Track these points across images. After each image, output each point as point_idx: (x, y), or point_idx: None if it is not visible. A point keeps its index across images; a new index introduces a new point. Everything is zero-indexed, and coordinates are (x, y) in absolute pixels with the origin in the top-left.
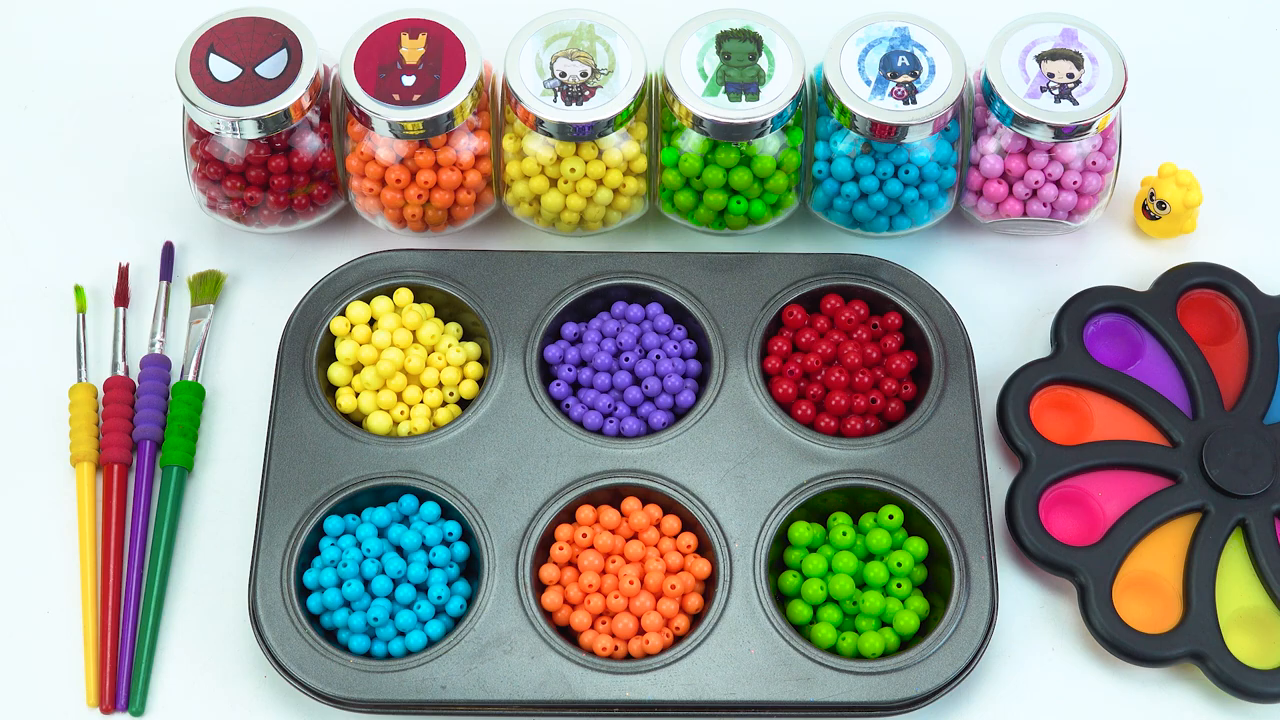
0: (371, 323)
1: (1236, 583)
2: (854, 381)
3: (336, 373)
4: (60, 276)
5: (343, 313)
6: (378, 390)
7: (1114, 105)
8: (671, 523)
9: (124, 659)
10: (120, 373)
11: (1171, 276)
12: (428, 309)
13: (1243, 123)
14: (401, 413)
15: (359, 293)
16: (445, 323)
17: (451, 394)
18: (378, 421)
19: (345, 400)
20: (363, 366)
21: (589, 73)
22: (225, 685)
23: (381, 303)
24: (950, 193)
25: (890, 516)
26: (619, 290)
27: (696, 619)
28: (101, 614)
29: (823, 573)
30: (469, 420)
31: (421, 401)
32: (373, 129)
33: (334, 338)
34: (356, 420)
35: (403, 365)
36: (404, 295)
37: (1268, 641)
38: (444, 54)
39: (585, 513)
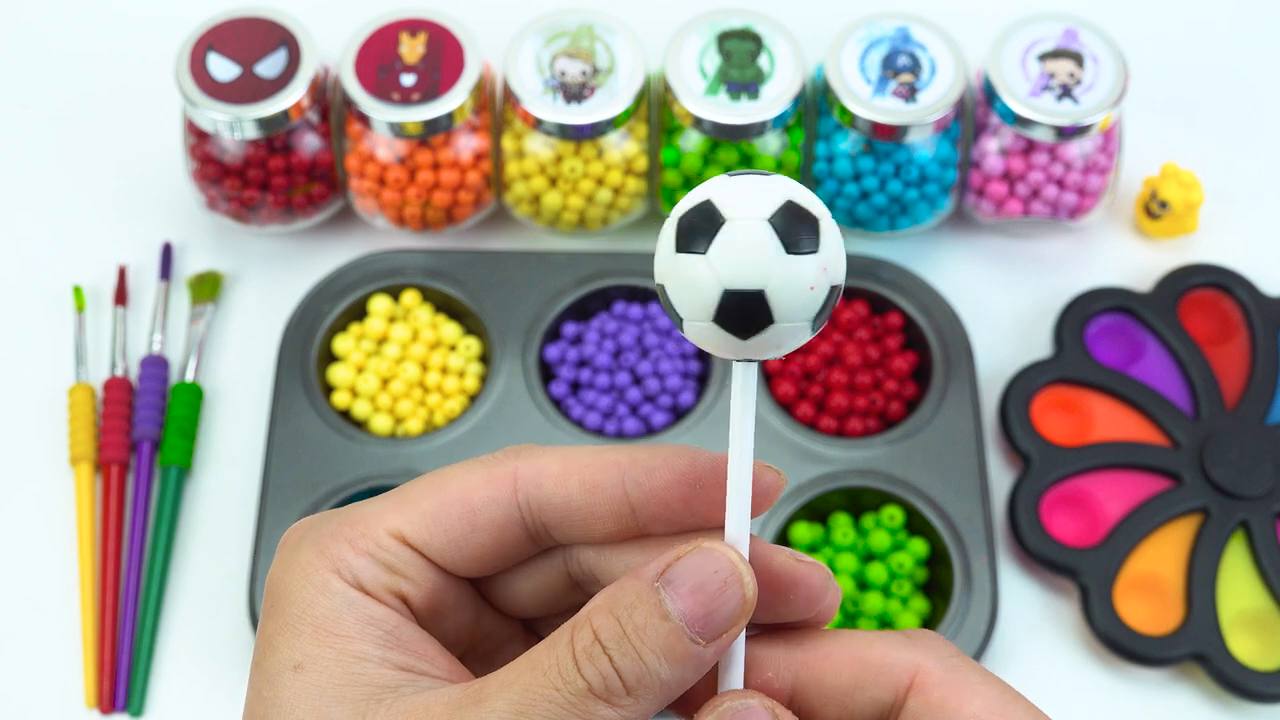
0: (365, 318)
1: (1238, 584)
2: (855, 382)
3: (338, 373)
4: (59, 277)
5: (346, 315)
6: (378, 391)
7: (1115, 105)
8: None
9: (123, 660)
10: (119, 373)
11: (1173, 277)
12: (429, 309)
13: (1245, 123)
14: (402, 413)
15: (358, 293)
16: (445, 323)
17: (451, 385)
18: (379, 422)
19: (344, 400)
20: (363, 367)
21: (589, 72)
22: (224, 686)
23: (382, 302)
24: (951, 192)
25: (891, 517)
26: (619, 290)
27: None
28: (100, 615)
29: None
30: (469, 421)
31: (423, 403)
32: (372, 129)
33: (334, 337)
34: (356, 421)
35: (403, 365)
36: (411, 296)
37: (1269, 642)
38: (444, 53)
39: None
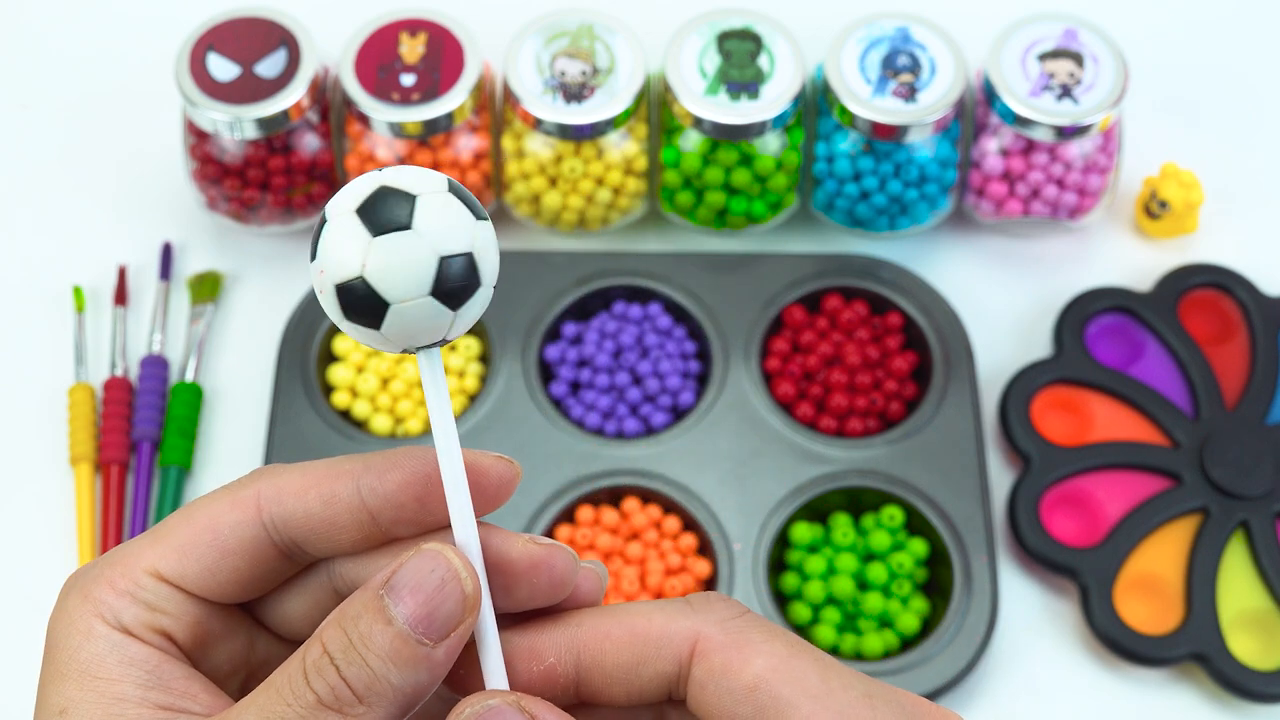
0: None
1: (1238, 583)
2: (855, 382)
3: (337, 373)
4: (59, 277)
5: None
6: (378, 391)
7: (1115, 105)
8: (672, 523)
9: None
10: (119, 373)
11: (1173, 276)
12: None
13: (1245, 123)
14: (402, 413)
15: None
16: None
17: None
18: (379, 422)
19: (344, 400)
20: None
21: (589, 72)
22: None
23: None
24: (951, 192)
25: (891, 517)
26: (619, 290)
27: None
28: None
29: (823, 573)
30: (469, 421)
31: (422, 402)
32: (372, 129)
33: (334, 337)
34: (356, 421)
35: (403, 365)
36: None
37: (1269, 642)
38: (444, 53)
39: (585, 513)
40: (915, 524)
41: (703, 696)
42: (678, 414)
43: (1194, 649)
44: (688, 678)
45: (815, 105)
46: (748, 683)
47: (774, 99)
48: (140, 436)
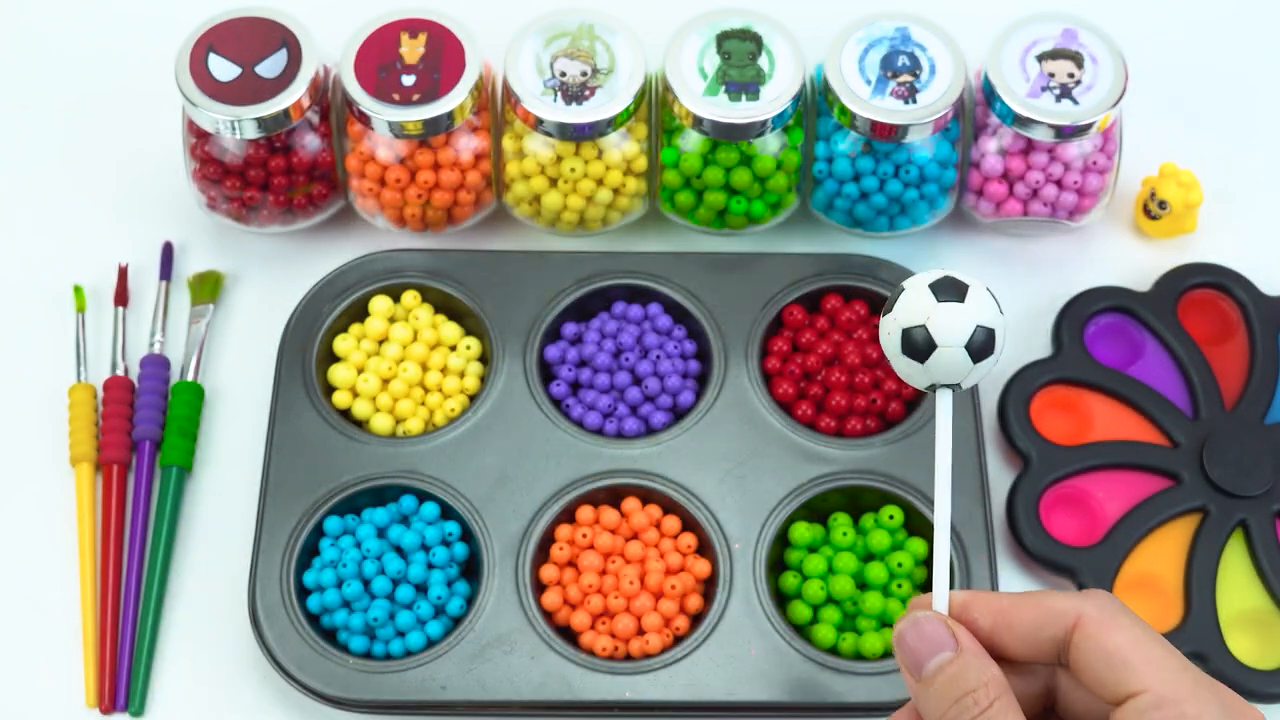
0: (365, 318)
1: (1237, 583)
2: (854, 381)
3: (338, 373)
4: (59, 276)
5: (346, 315)
6: (378, 391)
7: (1115, 105)
8: (671, 523)
9: (123, 659)
10: (120, 373)
11: (1172, 276)
12: (429, 309)
13: (1245, 123)
14: (402, 413)
15: (358, 293)
16: (445, 323)
17: (451, 393)
18: (379, 422)
19: (344, 400)
20: (364, 367)
21: (589, 72)
22: (225, 685)
23: (382, 303)
24: (951, 193)
25: (891, 517)
26: (619, 290)
27: (696, 619)
28: (101, 614)
29: (823, 573)
30: (469, 420)
31: (423, 403)
32: (372, 129)
33: (334, 337)
34: (357, 420)
35: (403, 365)
36: (411, 296)
37: (1268, 642)
38: (444, 54)
39: (585, 513)
40: (915, 524)
41: (1077, 655)
42: (678, 414)
43: (1193, 649)
44: (1069, 643)
45: (815, 105)
46: (1108, 649)
47: (774, 99)
48: (141, 436)
